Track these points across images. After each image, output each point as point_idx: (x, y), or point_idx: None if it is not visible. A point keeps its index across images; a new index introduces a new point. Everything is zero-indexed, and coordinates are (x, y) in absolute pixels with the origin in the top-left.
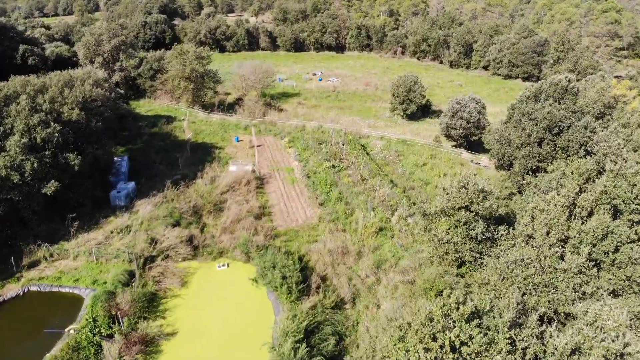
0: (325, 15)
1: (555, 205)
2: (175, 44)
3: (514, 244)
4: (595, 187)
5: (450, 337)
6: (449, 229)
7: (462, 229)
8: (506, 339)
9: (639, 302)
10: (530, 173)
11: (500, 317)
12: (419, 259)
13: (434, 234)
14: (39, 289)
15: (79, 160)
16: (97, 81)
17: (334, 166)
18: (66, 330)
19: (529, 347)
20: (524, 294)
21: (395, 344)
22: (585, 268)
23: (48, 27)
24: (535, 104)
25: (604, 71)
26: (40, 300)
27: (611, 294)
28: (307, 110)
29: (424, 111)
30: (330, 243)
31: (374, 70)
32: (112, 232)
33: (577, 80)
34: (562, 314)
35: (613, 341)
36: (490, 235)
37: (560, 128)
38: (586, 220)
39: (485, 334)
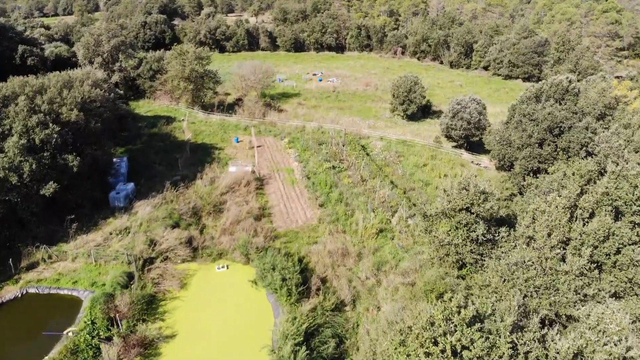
0: (325, 16)
1: (557, 206)
2: (175, 44)
3: (515, 245)
4: (596, 188)
5: (451, 342)
6: (450, 230)
7: (463, 231)
8: (508, 343)
9: None
10: (531, 174)
11: (502, 321)
12: (420, 261)
13: (434, 236)
14: (37, 291)
15: (77, 162)
16: (96, 82)
17: (334, 167)
18: (65, 332)
19: (531, 352)
20: (525, 296)
21: (396, 348)
22: (587, 270)
23: (48, 27)
24: (536, 105)
25: (604, 71)
26: (38, 303)
27: (612, 297)
28: (307, 111)
29: (424, 112)
30: (330, 244)
31: (374, 71)
32: (111, 234)
33: (578, 81)
34: (564, 317)
35: (616, 345)
36: (491, 236)
37: (561, 129)
38: (587, 222)
39: (487, 338)
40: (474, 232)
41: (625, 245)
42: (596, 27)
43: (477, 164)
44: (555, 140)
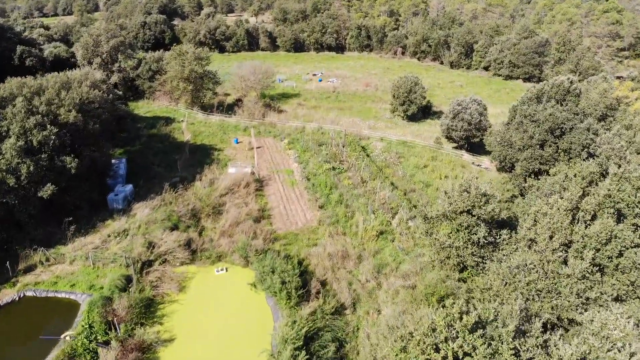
0: (325, 16)
1: (558, 209)
2: (175, 44)
3: (517, 248)
4: (598, 190)
5: (453, 348)
6: (451, 233)
7: (464, 233)
8: (510, 349)
9: None
10: (532, 176)
11: (504, 326)
12: (420, 263)
13: (435, 238)
14: (34, 294)
15: (75, 163)
16: (94, 82)
17: (334, 168)
18: (62, 336)
19: (534, 358)
20: (527, 299)
21: (397, 354)
22: (589, 273)
23: (47, 28)
24: (537, 106)
25: (605, 72)
26: (36, 306)
27: (615, 300)
28: (307, 111)
29: (425, 112)
30: (330, 247)
31: (374, 71)
32: (109, 236)
33: (579, 82)
34: (566, 320)
35: (619, 351)
36: (493, 239)
37: (563, 130)
38: (590, 225)
39: (489, 344)
40: (475, 234)
41: (627, 248)
42: (597, 27)
43: (477, 165)
44: (556, 141)
